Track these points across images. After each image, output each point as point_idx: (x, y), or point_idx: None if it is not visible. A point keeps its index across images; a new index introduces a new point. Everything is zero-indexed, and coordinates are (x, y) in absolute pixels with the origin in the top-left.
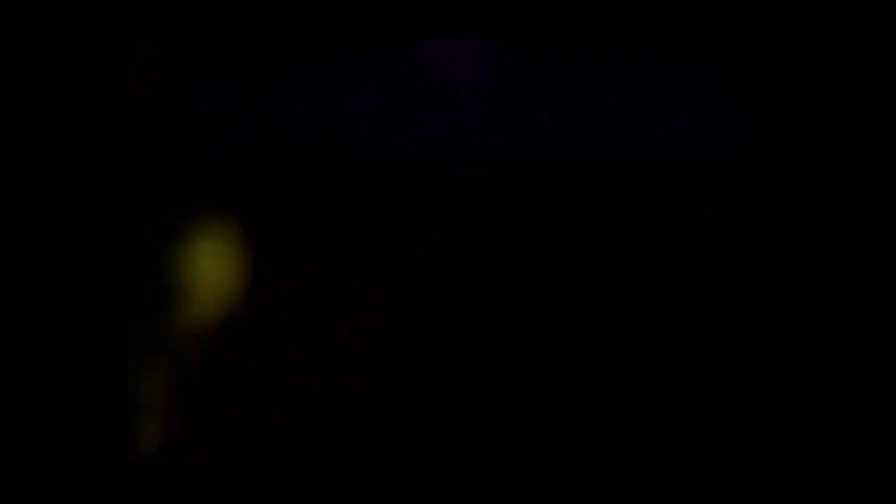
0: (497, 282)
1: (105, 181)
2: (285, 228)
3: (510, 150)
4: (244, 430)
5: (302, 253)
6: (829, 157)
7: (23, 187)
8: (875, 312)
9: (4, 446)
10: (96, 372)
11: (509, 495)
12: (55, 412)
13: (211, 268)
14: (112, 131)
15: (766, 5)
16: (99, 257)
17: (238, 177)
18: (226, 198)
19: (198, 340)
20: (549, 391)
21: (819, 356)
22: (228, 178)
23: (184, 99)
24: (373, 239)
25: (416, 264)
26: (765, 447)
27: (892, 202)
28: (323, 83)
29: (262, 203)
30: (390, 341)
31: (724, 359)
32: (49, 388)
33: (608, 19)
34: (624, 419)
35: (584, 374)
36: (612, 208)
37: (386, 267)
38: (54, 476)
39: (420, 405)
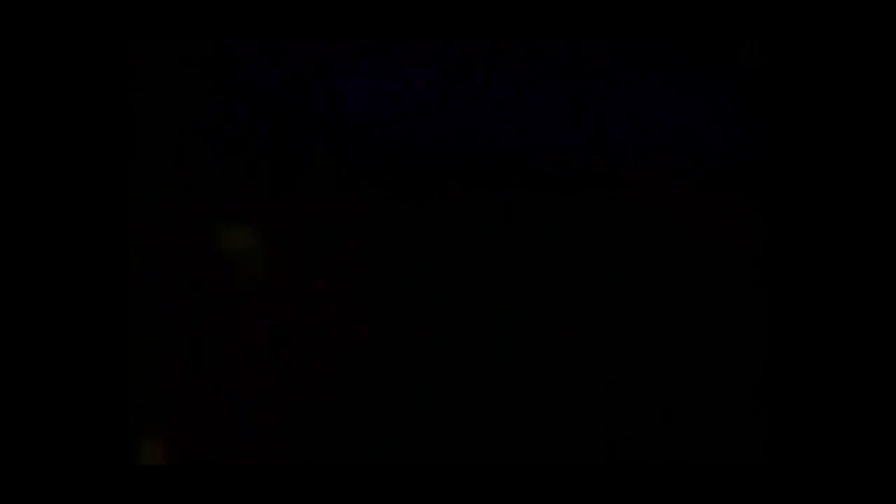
0: (498, 281)
1: (105, 181)
2: (286, 228)
3: (510, 150)
4: (244, 430)
5: (303, 252)
6: (828, 156)
7: (23, 186)
8: (876, 309)
9: (5, 447)
10: (96, 373)
11: (509, 495)
12: (55, 413)
13: (211, 267)
14: (112, 131)
15: (766, 5)
16: (99, 257)
17: (239, 176)
18: (226, 197)
19: (198, 340)
20: (550, 391)
21: (821, 354)
22: (228, 177)
23: (184, 98)
24: (373, 238)
25: (417, 263)
26: (767, 446)
27: (892, 200)
28: (323, 82)
29: (263, 202)
30: (391, 341)
31: (726, 356)
32: (49, 389)
33: (608, 19)
34: (624, 419)
35: (584, 373)
36: (613, 207)
37: (386, 266)
38: (55, 476)
39: (421, 405)
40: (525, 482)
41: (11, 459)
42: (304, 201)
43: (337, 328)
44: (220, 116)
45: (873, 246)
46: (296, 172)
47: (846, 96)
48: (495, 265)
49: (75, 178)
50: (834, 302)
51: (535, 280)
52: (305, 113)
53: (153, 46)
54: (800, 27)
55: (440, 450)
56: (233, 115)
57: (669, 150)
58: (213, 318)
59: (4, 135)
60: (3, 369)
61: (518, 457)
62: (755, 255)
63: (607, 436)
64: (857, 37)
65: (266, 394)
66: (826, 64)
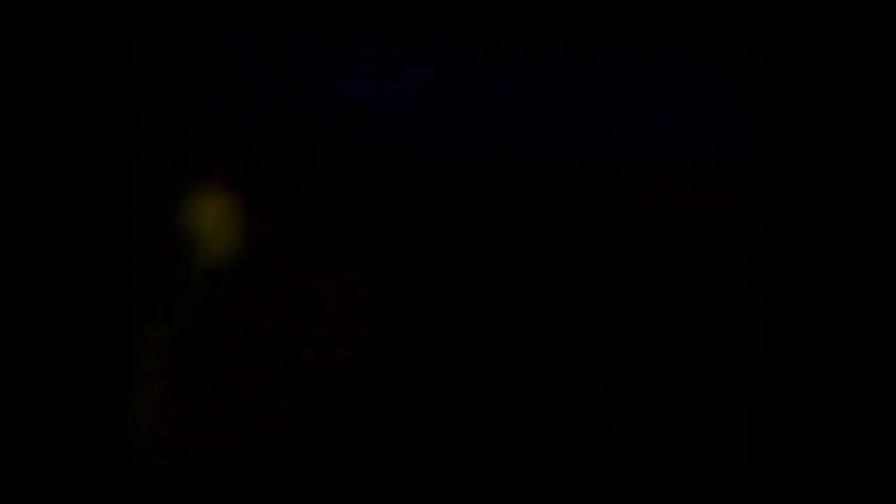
0: (497, 281)
1: (105, 181)
2: (285, 227)
3: (510, 150)
4: (244, 429)
5: (304, 252)
6: (828, 156)
7: (22, 187)
8: (877, 310)
9: (3, 447)
10: (96, 372)
11: (510, 495)
12: (54, 412)
13: (212, 268)
14: (112, 131)
15: (766, 5)
16: (99, 257)
17: (239, 175)
18: (227, 196)
19: (199, 339)
20: (550, 391)
21: (822, 354)
22: (229, 176)
23: (184, 98)
24: (374, 238)
25: (418, 263)
26: (768, 446)
27: (892, 200)
28: (322, 81)
29: (263, 202)
30: (392, 341)
31: (725, 357)
32: (48, 388)
33: (608, 19)
34: (624, 419)
35: (584, 373)
36: (612, 207)
37: (387, 266)
38: (53, 476)
39: (421, 405)
40: (525, 482)
41: (10, 459)
42: (304, 201)
43: (337, 328)
44: (221, 116)
45: (874, 246)
46: (296, 172)
47: (846, 96)
48: (494, 265)
49: (75, 177)
50: (834, 302)
51: (535, 280)
52: (305, 112)
53: (153, 46)
54: (800, 27)
55: (440, 450)
56: (233, 115)
57: (669, 150)
58: (213, 317)
59: (3, 135)
60: (2, 369)
61: (518, 457)
62: (755, 255)
63: (607, 436)
64: (857, 37)
65: (266, 394)
66: (826, 64)
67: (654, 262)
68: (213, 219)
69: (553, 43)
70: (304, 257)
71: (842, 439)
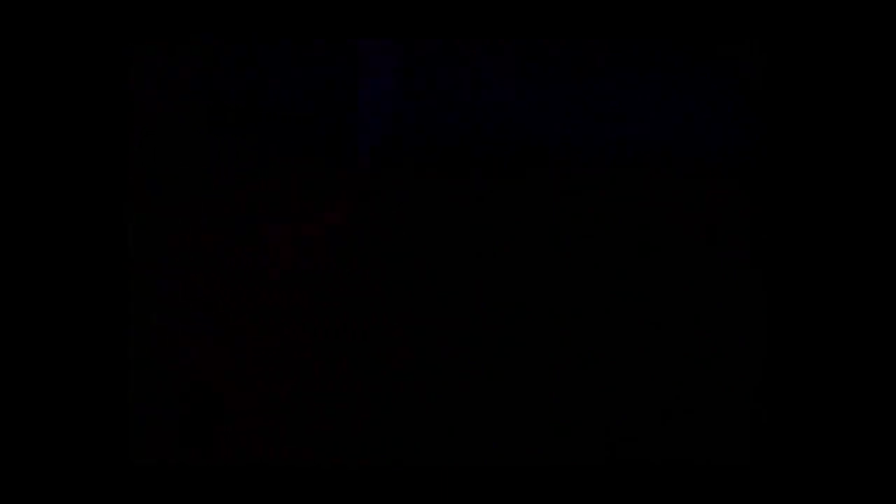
0: (497, 281)
1: (105, 179)
2: (284, 227)
3: (507, 149)
4: (245, 429)
5: (301, 252)
6: (828, 155)
7: (22, 186)
8: (876, 310)
9: (4, 446)
10: (96, 372)
11: (510, 495)
12: (54, 412)
13: (211, 267)
14: (112, 131)
15: (766, 6)
16: (99, 256)
17: (237, 175)
18: (226, 195)
19: (199, 338)
20: (550, 391)
21: (821, 353)
22: (229, 175)
23: (184, 98)
24: (371, 238)
25: (416, 263)
26: (768, 446)
27: (891, 199)
28: (318, 81)
29: (259, 201)
30: (392, 342)
31: (725, 356)
32: (48, 388)
33: (608, 19)
34: (625, 419)
35: (584, 373)
36: (613, 206)
37: (385, 267)
38: (54, 475)
39: (422, 405)
40: (525, 482)
41: (11, 459)
42: (303, 199)
43: (338, 328)
44: (218, 114)
45: (873, 245)
46: (295, 172)
47: (845, 96)
48: (494, 265)
49: (75, 178)
50: (834, 302)
51: (535, 280)
52: (300, 115)
53: (153, 47)
54: (800, 27)
55: (440, 450)
56: (229, 114)
57: (670, 149)
58: (213, 317)
59: (4, 136)
60: (2, 369)
61: (518, 457)
62: (755, 254)
63: (607, 436)
64: (856, 37)
65: (266, 393)
66: (826, 64)
67: (655, 261)
68: (210, 217)
69: (554, 43)
70: (301, 257)
71: (841, 439)
